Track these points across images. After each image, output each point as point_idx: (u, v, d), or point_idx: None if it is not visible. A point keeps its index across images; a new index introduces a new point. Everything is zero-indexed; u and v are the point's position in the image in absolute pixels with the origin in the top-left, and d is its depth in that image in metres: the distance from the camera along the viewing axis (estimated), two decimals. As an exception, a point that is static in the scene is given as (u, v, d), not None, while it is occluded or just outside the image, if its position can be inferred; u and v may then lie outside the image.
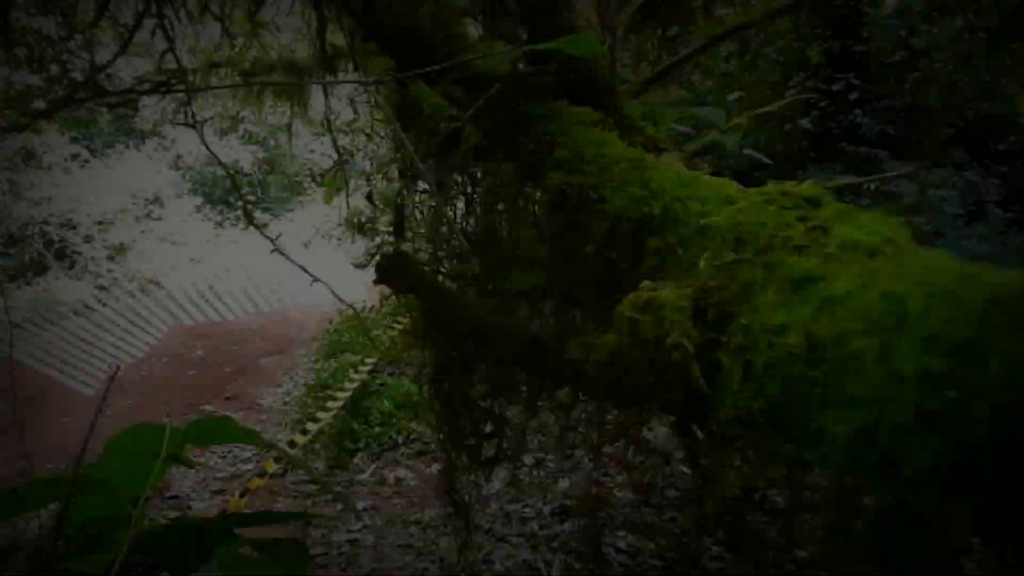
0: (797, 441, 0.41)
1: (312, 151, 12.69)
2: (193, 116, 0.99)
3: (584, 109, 0.73)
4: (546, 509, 3.43)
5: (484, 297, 0.87)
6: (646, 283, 0.52)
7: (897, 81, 7.01)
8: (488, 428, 0.94)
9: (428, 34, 0.71)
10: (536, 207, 0.68)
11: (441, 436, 0.97)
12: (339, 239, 11.80)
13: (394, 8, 0.69)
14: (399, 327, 6.36)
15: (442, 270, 0.93)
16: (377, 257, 0.78)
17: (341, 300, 1.08)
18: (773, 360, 0.42)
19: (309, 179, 12.97)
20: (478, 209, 0.88)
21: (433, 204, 0.88)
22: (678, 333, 0.46)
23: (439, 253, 0.93)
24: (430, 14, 0.70)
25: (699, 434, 0.50)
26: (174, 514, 4.03)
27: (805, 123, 6.40)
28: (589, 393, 0.82)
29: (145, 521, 0.90)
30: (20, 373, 6.74)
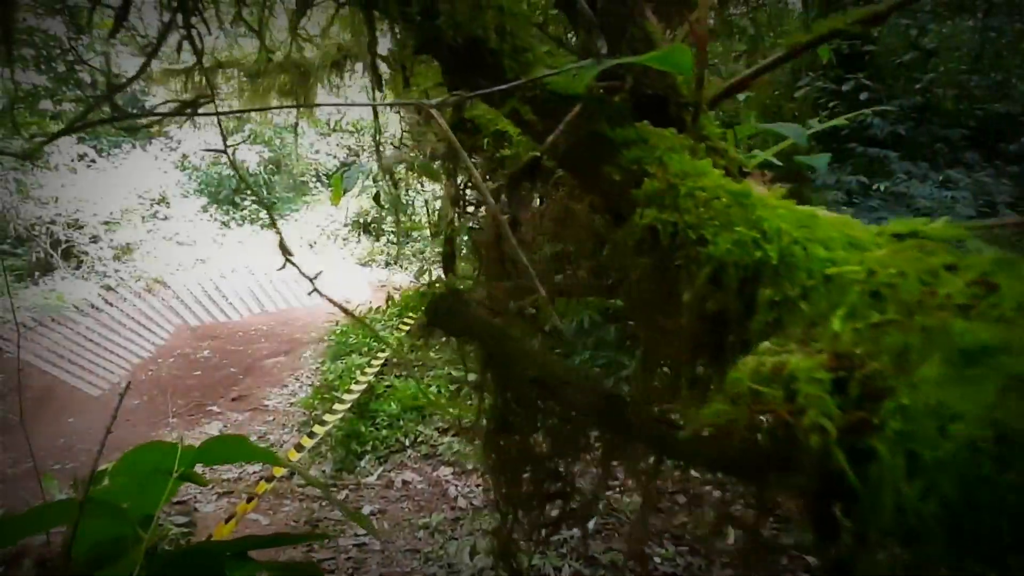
0: (985, 559, 0.33)
1: (317, 151, 12.63)
2: (224, 140, 0.92)
3: (669, 131, 0.65)
4: (554, 513, 3.36)
5: (552, 344, 0.79)
6: (766, 345, 0.45)
7: (907, 81, 6.92)
8: (553, 488, 0.86)
9: (495, 46, 0.63)
10: (617, 245, 0.60)
11: (498, 496, 0.89)
12: (344, 239, 11.77)
13: (457, 16, 0.61)
14: (406, 328, 6.32)
15: (501, 310, 0.84)
16: (428, 297, 0.70)
17: (364, 323, 1.00)
18: (948, 454, 0.35)
19: (314, 179, 12.92)
20: (548, 245, 0.80)
21: (502, 239, 0.79)
22: (816, 412, 0.39)
23: (496, 293, 0.84)
24: (496, 23, 0.62)
25: (837, 530, 0.43)
26: (181, 520, 3.98)
27: (814, 123, 6.28)
28: (680, 459, 0.74)
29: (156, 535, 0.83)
30: (27, 373, 6.73)
